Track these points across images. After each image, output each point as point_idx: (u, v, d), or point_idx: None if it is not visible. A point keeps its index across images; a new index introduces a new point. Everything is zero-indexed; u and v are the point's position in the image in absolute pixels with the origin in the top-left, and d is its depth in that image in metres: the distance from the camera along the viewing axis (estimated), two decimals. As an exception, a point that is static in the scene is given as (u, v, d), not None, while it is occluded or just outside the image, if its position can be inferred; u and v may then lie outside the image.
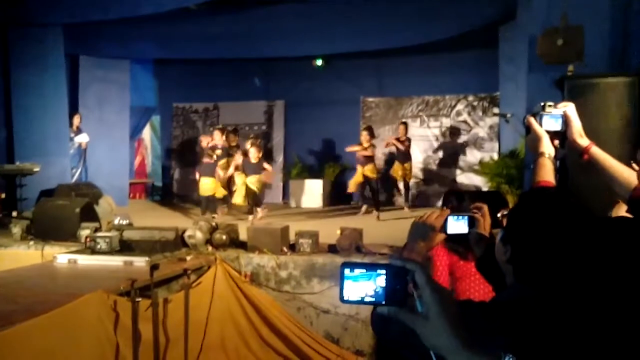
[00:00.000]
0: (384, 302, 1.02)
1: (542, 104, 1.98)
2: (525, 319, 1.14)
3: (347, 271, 1.04)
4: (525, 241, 1.26)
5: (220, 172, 9.90)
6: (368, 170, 9.99)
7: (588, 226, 1.25)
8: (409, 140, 10.77)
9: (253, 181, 9.34)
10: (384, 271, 1.02)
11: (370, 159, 10.07)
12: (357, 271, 1.03)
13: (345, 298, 1.04)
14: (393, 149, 11.07)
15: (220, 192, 9.98)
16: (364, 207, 10.32)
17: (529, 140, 1.97)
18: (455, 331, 0.96)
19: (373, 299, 1.02)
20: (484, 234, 1.87)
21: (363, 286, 1.03)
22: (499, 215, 1.87)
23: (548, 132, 1.93)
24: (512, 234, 1.31)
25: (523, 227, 1.28)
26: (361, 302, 1.03)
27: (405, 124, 11.05)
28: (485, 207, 1.91)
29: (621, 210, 2.74)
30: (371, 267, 1.03)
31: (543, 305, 1.18)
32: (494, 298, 1.38)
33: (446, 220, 1.77)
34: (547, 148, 1.91)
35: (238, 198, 9.47)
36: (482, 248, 1.85)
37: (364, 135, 10.10)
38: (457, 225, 1.81)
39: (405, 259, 1.04)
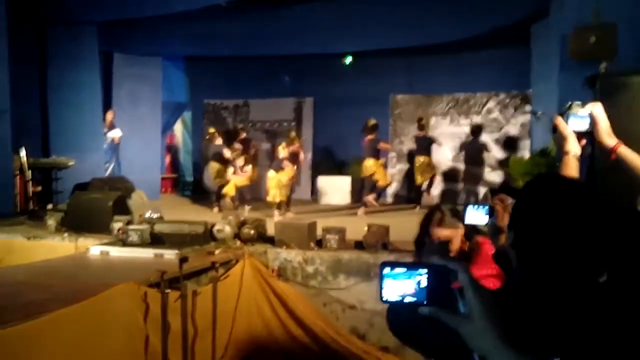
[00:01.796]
0: (425, 302, 1.00)
1: (569, 103, 2.00)
2: (526, 304, 1.15)
3: (386, 270, 1.02)
4: (526, 225, 1.27)
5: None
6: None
7: (592, 213, 1.24)
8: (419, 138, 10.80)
9: (287, 177, 9.52)
10: (425, 270, 1.00)
11: None
12: (397, 270, 1.01)
13: (385, 298, 1.02)
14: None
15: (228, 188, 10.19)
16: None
17: (556, 139, 2.01)
18: (499, 332, 0.95)
19: (414, 299, 1.00)
20: (502, 226, 1.87)
21: (403, 285, 1.00)
22: (508, 202, 1.86)
23: (575, 131, 1.95)
24: (515, 218, 1.32)
25: (525, 211, 1.29)
26: (401, 302, 1.01)
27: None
28: (509, 199, 1.91)
29: None
30: (412, 266, 1.01)
31: (544, 290, 1.19)
32: (503, 284, 1.40)
33: (465, 209, 1.77)
34: (573, 147, 1.94)
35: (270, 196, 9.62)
36: (499, 240, 1.86)
37: None
38: (476, 215, 1.81)
39: (448, 258, 1.03)
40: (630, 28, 5.85)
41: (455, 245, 2.65)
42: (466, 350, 1.00)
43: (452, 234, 2.80)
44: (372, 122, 10.00)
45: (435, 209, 3.12)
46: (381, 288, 1.02)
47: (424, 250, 3.18)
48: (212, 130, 11.32)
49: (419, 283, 1.00)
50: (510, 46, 10.94)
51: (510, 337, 0.96)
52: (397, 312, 1.44)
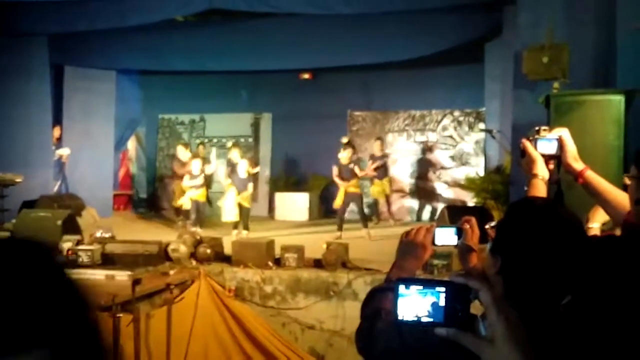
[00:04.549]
0: (442, 323, 0.95)
1: (537, 128, 2.03)
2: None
3: (401, 288, 0.96)
4: (516, 252, 1.24)
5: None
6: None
7: (578, 238, 1.24)
8: (385, 156, 10.80)
9: (246, 197, 9.24)
10: (443, 289, 0.95)
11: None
12: (413, 288, 0.96)
13: (400, 318, 0.96)
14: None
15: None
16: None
17: (524, 163, 2.03)
18: (525, 358, 0.89)
19: (431, 320, 0.95)
20: (472, 246, 1.87)
21: (419, 305, 0.95)
22: (486, 227, 1.87)
23: (543, 155, 1.98)
24: (502, 245, 1.29)
25: (514, 238, 1.27)
26: (417, 322, 0.96)
27: (380, 139, 11.10)
28: (474, 220, 1.92)
29: (597, 213, 2.79)
30: (429, 284, 0.96)
31: (533, 316, 1.16)
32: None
33: (434, 231, 1.75)
34: (541, 170, 1.97)
35: (231, 216, 9.31)
36: (469, 261, 1.85)
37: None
38: (446, 236, 1.80)
39: (468, 276, 0.96)
40: (581, 48, 6.03)
41: None
42: None
43: None
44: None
45: None
46: (396, 307, 0.96)
47: None
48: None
49: (436, 302, 0.95)
50: (465, 64, 11.14)
51: None
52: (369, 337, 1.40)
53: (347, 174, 9.20)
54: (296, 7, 9.04)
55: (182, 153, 10.22)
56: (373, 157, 10.87)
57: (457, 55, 10.44)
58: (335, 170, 9.36)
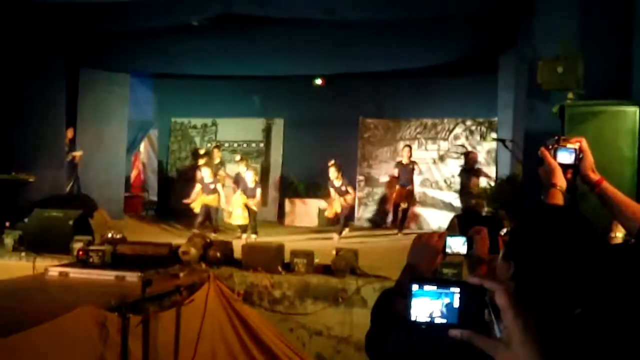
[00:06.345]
0: (456, 324, 0.93)
1: (557, 137, 2.03)
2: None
3: (415, 287, 0.95)
4: (529, 257, 1.23)
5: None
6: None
7: (592, 243, 1.23)
8: (413, 163, 10.98)
9: (253, 201, 9.53)
10: (458, 289, 0.94)
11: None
12: (427, 288, 0.95)
13: (413, 318, 0.95)
14: (394, 171, 11.16)
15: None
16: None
17: (542, 172, 2.03)
18: None
19: (444, 320, 0.94)
20: (482, 256, 1.86)
21: (433, 305, 0.94)
22: (502, 233, 1.87)
23: (561, 165, 1.98)
24: (515, 250, 1.28)
25: (527, 243, 1.25)
26: (431, 323, 0.95)
27: (409, 146, 11.21)
28: (485, 230, 1.92)
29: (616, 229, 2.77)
30: (444, 284, 0.95)
31: (546, 323, 1.16)
32: None
33: (445, 240, 1.76)
34: (560, 180, 1.97)
35: (239, 219, 9.44)
36: (478, 271, 1.84)
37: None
38: (456, 246, 1.80)
39: (484, 276, 0.96)
40: (595, 58, 5.99)
41: None
42: None
43: None
44: None
45: None
46: (409, 308, 0.95)
47: None
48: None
49: (450, 303, 0.94)
50: (478, 74, 11.11)
51: None
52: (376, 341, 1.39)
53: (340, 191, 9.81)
54: (311, 13, 9.07)
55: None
56: (400, 165, 10.93)
57: (471, 64, 10.42)
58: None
